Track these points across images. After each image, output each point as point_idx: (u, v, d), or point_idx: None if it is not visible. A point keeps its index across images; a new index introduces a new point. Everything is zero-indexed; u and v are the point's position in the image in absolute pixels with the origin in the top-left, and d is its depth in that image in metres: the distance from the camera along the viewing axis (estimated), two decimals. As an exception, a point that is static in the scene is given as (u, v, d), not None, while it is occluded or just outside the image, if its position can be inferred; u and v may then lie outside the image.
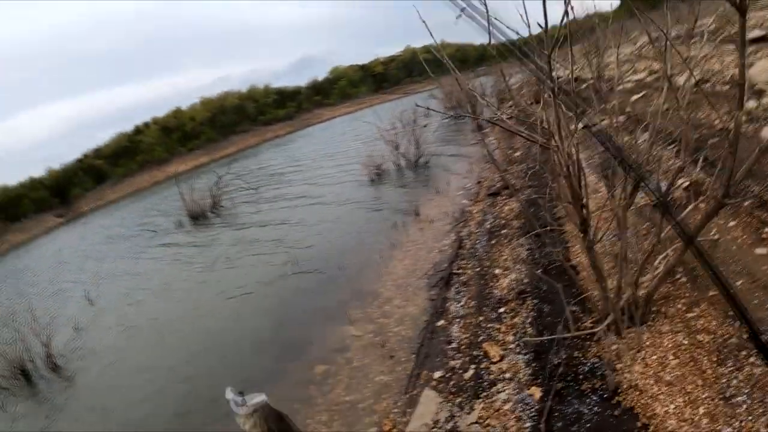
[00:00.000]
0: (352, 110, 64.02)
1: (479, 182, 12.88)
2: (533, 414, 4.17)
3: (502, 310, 6.09)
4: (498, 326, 5.74)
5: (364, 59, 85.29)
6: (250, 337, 8.31)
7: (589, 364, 4.31)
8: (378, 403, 5.36)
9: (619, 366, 4.06)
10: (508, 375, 4.78)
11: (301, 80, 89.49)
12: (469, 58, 50.44)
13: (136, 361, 9.31)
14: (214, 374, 7.37)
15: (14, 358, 10.18)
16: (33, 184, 65.15)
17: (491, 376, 4.88)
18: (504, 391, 4.60)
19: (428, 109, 4.59)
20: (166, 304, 11.90)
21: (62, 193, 63.86)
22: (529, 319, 5.56)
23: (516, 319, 5.70)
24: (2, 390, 9.89)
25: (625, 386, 3.88)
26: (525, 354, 4.98)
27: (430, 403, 4.88)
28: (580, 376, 4.24)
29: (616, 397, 3.84)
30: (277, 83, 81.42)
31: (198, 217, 20.21)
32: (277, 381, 6.47)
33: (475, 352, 5.42)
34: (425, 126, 18.72)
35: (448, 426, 4.54)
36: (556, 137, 3.64)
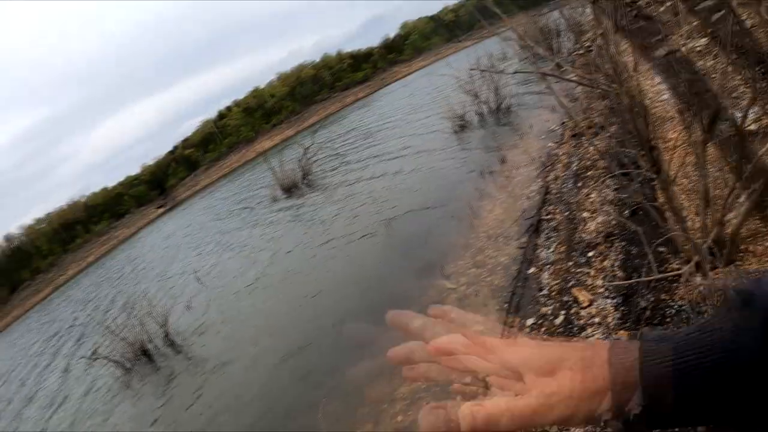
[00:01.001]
0: (428, 63, 63.10)
1: (563, 123, 12.60)
2: (621, 358, 4.25)
3: (590, 254, 6.12)
4: (587, 271, 5.80)
5: (432, 10, 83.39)
6: (351, 294, 8.89)
7: (675, 307, 4.32)
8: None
9: (703, 308, 4.06)
10: (597, 319, 4.88)
11: (373, 41, 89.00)
12: None
13: (250, 331, 10.15)
14: (323, 336, 7.99)
15: (135, 341, 11.39)
16: (131, 182, 70.38)
17: (581, 321, 5.00)
18: (593, 335, 4.72)
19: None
20: (270, 273, 12.81)
21: (159, 185, 68.35)
22: (618, 263, 5.58)
23: (605, 263, 5.73)
24: (127, 371, 11.13)
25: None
26: (613, 298, 5.04)
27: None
28: (667, 319, 4.27)
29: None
30: (349, 47, 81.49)
31: (291, 189, 21.06)
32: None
33: (565, 298, 5.54)
34: (503, 71, 18.32)
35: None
36: (616, 75, 3.61)
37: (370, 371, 0.75)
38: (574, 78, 7.57)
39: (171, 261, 22.45)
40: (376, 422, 5.45)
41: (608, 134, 9.38)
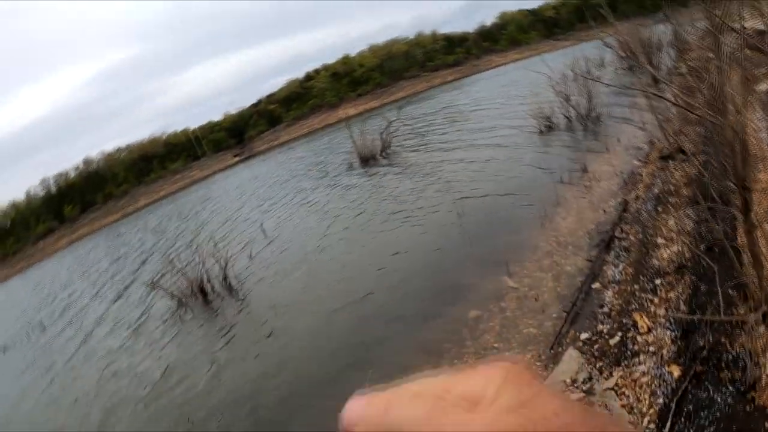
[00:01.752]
0: (522, 57, 61.69)
1: (651, 142, 12.25)
2: (668, 391, 4.30)
3: (658, 282, 6.08)
4: (652, 298, 5.78)
5: (533, 3, 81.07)
6: (412, 275, 9.10)
7: (733, 353, 4.27)
8: (523, 354, 5.76)
9: (762, 361, 3.99)
10: (652, 348, 4.90)
11: (469, 26, 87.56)
12: (646, 3, 45.79)
13: (305, 285, 10.62)
14: (377, 307, 8.33)
15: (194, 278, 11.97)
16: (211, 127, 72.60)
17: (636, 347, 5.03)
18: (645, 363, 4.75)
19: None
20: (336, 233, 13.25)
21: (239, 134, 70.21)
22: (684, 296, 5.54)
23: (671, 294, 5.70)
24: (182, 304, 11.78)
25: (763, 383, 3.81)
26: (673, 330, 5.03)
27: (572, 362, 5.18)
28: (722, 363, 4.23)
29: (751, 392, 3.79)
30: (444, 29, 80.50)
31: (368, 160, 21.32)
32: (434, 318, 7.19)
33: (624, 320, 5.55)
34: (598, 78, 17.86)
35: (585, 387, 4.81)
36: (720, 106, 3.56)
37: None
38: (671, 98, 7.40)
39: (241, 208, 23.32)
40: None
41: (698, 163, 9.11)
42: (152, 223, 33.58)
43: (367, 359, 6.67)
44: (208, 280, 12.23)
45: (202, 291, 12.09)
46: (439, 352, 6.32)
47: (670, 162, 10.44)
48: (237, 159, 63.03)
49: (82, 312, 16.33)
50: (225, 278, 12.20)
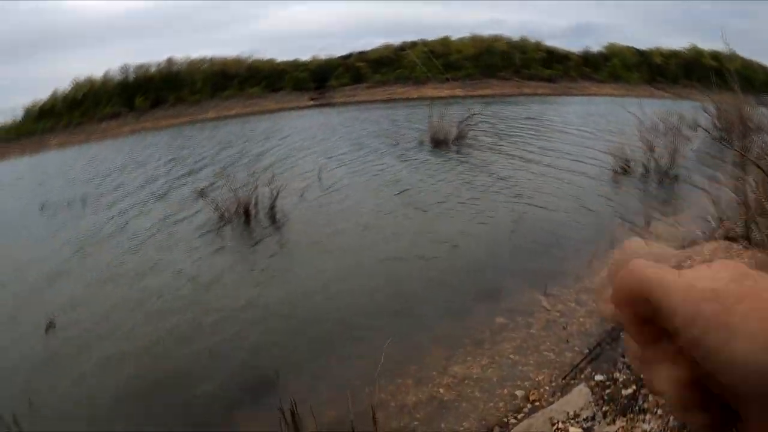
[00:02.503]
0: (618, 94, 59.83)
1: (722, 219, 11.92)
2: (662, 454, 4.29)
3: (686, 350, 6.04)
4: (677, 364, 5.74)
5: (643, 44, 78.21)
6: (454, 264, 9.26)
7: None
8: (536, 374, 5.81)
9: None
10: (660, 411, 4.90)
11: (574, 46, 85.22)
12: (755, 81, 43.62)
13: (350, 238, 10.94)
14: (411, 280, 8.53)
15: (243, 199, 12.36)
16: (297, 65, 73.00)
17: (645, 405, 5.03)
18: (650, 423, 4.76)
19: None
20: (393, 204, 13.40)
21: (321, 80, 70.54)
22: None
23: (696, 366, 5.65)
24: (224, 220, 12.15)
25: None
26: (684, 402, 4.99)
27: (580, 398, 5.22)
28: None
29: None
30: (549, 42, 78.50)
31: (440, 143, 21.29)
32: (460, 311, 7.32)
33: (642, 376, 5.54)
34: (687, 139, 17.41)
35: (585, 425, 4.85)
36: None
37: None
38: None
39: (305, 150, 23.60)
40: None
41: (761, 255, 8.89)
42: (218, 136, 34.32)
43: (382, 327, 6.86)
44: (255, 205, 12.60)
45: (247, 213, 12.48)
46: (453, 346, 6.45)
47: (734, 245, 10.18)
48: (312, 103, 63.61)
49: (127, 198, 16.97)
50: (272, 208, 12.53)
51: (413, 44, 74.38)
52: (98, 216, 14.98)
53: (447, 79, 60.80)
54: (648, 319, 0.40)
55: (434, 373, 5.90)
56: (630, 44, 78.85)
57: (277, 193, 12.59)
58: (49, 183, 24.02)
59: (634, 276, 0.40)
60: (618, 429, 4.73)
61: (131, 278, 9.64)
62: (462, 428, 4.99)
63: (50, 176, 26.96)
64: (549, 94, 62.43)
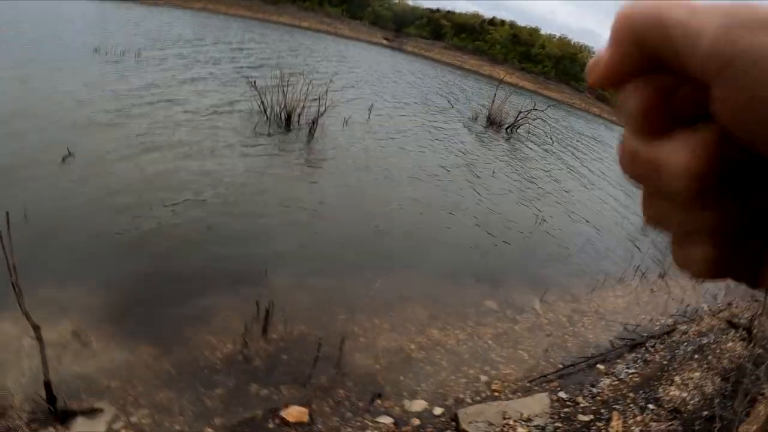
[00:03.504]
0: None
1: (730, 304, 11.75)
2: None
3: (651, 406, 6.02)
4: (637, 412, 5.73)
5: None
6: (469, 241, 9.21)
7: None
8: (505, 367, 5.82)
9: None
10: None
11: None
12: None
13: (379, 171, 11.04)
14: (420, 240, 8.52)
15: (289, 104, 12.55)
16: (383, 1, 71.43)
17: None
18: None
19: None
20: (432, 158, 13.41)
21: (400, 23, 69.43)
22: (665, 432, 5.49)
23: (652, 423, 5.64)
24: (265, 116, 12.35)
25: None
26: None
27: (538, 405, 5.22)
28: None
29: None
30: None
31: (492, 124, 21.18)
32: (456, 284, 7.32)
33: (603, 410, 5.54)
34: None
35: (533, 431, 4.86)
36: None
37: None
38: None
39: (363, 82, 23.54)
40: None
41: (750, 353, 8.78)
42: (289, 42, 34.05)
43: (382, 264, 6.90)
44: (300, 114, 12.56)
45: (289, 118, 12.46)
46: (439, 310, 6.46)
47: (733, 331, 10.07)
48: (385, 43, 62.79)
49: (186, 68, 16.90)
50: (314, 122, 12.46)
51: (502, 23, 72.81)
52: (150, 69, 14.96)
53: (522, 68, 59.59)
54: (656, 62, 0.28)
55: (412, 327, 5.91)
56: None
57: (325, 111, 12.49)
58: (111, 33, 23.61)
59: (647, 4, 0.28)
60: (564, 450, 4.74)
61: (155, 137, 9.64)
62: (419, 388, 5.00)
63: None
64: (614, 122, 61.06)
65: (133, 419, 3.78)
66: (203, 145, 9.78)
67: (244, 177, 8.85)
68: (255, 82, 13.24)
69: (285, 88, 12.48)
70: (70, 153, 7.72)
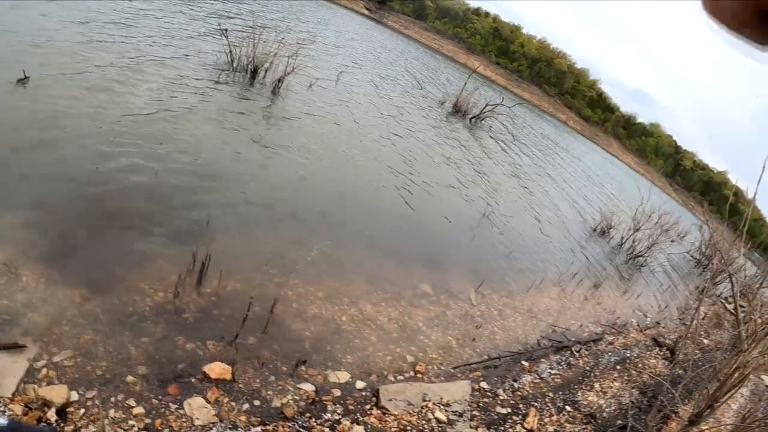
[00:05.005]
0: (637, 169, 60.74)
1: (658, 323, 12.24)
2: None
3: (568, 408, 6.22)
4: (553, 413, 5.91)
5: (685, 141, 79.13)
6: (420, 221, 9.25)
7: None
8: (432, 350, 5.90)
9: None
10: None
11: (623, 104, 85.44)
12: (759, 234, 43.26)
13: (336, 138, 10.86)
14: (367, 211, 8.44)
15: (258, 59, 12.28)
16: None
17: (511, 430, 5.17)
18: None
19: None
20: (389, 132, 13.29)
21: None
22: (573, 432, 5.70)
23: (567, 425, 5.83)
24: (233, 67, 11.98)
25: None
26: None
27: (459, 391, 5.32)
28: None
29: None
30: (605, 86, 78.27)
31: (458, 112, 21.34)
32: (401, 263, 7.37)
33: (521, 406, 5.69)
34: (671, 240, 17.86)
35: (451, 416, 4.96)
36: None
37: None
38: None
39: (338, 48, 23.17)
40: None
41: (670, 373, 9.22)
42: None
43: (327, 230, 6.86)
44: (267, 70, 12.31)
45: (255, 72, 12.21)
46: (375, 286, 6.50)
47: (657, 348, 10.51)
48: (366, 13, 61.84)
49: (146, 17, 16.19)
50: (280, 80, 12.23)
51: (486, 15, 72.83)
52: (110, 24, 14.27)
53: (497, 63, 59.91)
54: None
55: (345, 299, 5.91)
56: (672, 135, 79.27)
57: (292, 70, 12.27)
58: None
59: None
60: (477, 435, 4.85)
61: (114, 73, 9.19)
62: (345, 360, 5.02)
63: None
64: (578, 131, 62.27)
65: (56, 359, 3.65)
66: (162, 87, 9.39)
67: (200, 125, 8.53)
68: (226, 30, 12.87)
69: (255, 43, 12.17)
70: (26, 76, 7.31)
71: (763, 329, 5.27)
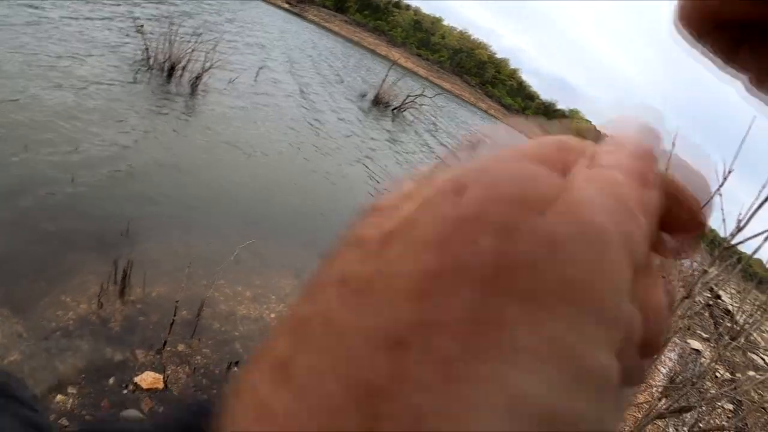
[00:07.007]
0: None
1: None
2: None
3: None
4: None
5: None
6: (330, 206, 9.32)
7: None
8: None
9: None
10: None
11: (542, 91, 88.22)
12: None
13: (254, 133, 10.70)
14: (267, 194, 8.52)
15: (175, 57, 11.94)
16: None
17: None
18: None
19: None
20: (303, 127, 13.37)
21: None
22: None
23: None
24: (148, 65, 11.71)
25: None
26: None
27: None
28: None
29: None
30: (525, 75, 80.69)
31: (379, 104, 21.63)
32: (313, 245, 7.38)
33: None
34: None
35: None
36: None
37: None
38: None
39: (260, 45, 22.83)
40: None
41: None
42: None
43: (248, 228, 6.86)
44: (184, 68, 12.03)
45: (172, 70, 11.91)
46: (302, 285, 6.55)
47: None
48: (286, 6, 61.25)
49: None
50: (198, 78, 12.00)
51: (407, 7, 73.53)
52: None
53: (418, 54, 60.64)
54: None
55: (273, 297, 5.97)
56: (591, 120, 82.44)
57: (210, 67, 12.07)
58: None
59: None
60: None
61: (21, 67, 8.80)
62: (276, 358, 5.08)
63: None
64: (499, 119, 63.78)
65: (-21, 384, 3.55)
66: (74, 84, 9.07)
67: (115, 126, 8.30)
68: (142, 26, 12.54)
69: (173, 37, 11.84)
70: None
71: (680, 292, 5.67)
